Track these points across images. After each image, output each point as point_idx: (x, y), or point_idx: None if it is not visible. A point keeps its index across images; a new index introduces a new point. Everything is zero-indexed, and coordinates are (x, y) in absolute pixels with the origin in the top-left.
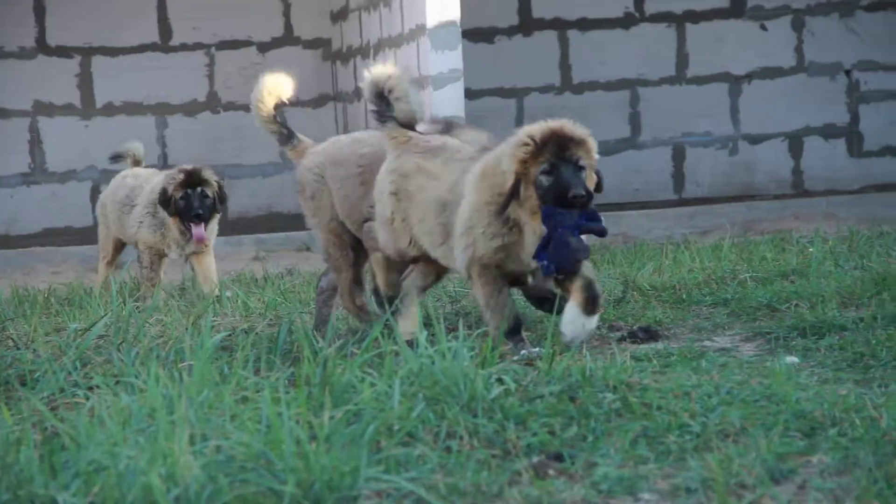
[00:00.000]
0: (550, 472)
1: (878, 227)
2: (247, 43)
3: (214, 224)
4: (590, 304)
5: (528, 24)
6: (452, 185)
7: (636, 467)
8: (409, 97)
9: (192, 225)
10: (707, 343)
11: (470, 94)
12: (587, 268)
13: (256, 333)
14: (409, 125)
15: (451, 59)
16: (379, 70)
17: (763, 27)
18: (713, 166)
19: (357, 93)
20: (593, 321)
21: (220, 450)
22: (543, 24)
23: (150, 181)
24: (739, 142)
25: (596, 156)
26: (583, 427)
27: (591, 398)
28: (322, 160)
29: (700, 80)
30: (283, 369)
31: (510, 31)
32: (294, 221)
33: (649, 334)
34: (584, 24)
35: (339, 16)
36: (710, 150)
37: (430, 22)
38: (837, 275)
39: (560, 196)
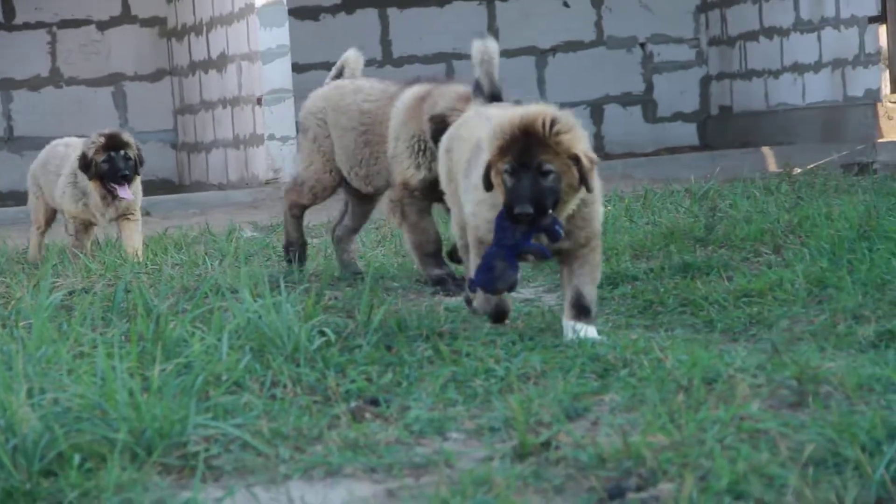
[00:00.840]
0: (367, 415)
1: (669, 186)
2: (87, 21)
3: (138, 186)
4: (577, 313)
5: (350, 2)
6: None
7: (445, 409)
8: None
9: (116, 186)
10: (513, 294)
11: (297, 69)
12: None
13: (95, 293)
14: (494, 98)
15: (279, 35)
16: (478, 43)
17: (566, 4)
18: None
19: (192, 67)
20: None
21: (57, 402)
22: (365, 3)
23: (78, 150)
24: None
25: (577, 150)
26: (398, 374)
27: (406, 347)
28: (324, 105)
29: (509, 53)
30: (119, 326)
31: (334, 10)
32: None
33: (460, 286)
34: (403, 2)
35: None
36: None
37: (259, 1)
38: (632, 230)
39: (507, 207)
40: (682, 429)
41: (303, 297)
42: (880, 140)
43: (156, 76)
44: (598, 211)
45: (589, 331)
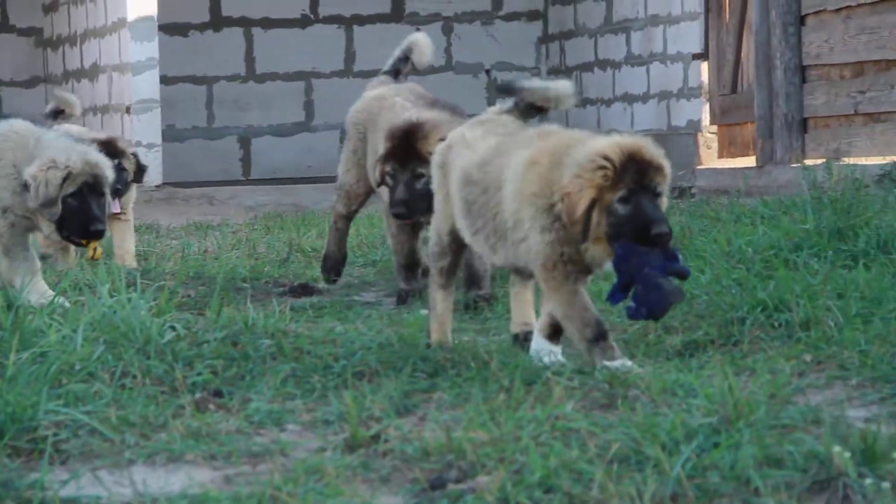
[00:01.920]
0: (211, 406)
1: None
2: None
3: (133, 193)
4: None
5: (218, 20)
6: (482, 161)
7: (284, 403)
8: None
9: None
10: (356, 298)
11: (165, 81)
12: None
13: None
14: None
15: (149, 49)
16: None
17: (418, 30)
18: None
19: (65, 75)
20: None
21: None
22: (232, 22)
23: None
24: None
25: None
26: (242, 368)
27: (251, 343)
28: (364, 118)
29: (365, 74)
30: None
31: (202, 27)
32: None
33: (306, 290)
34: (267, 23)
35: (50, 8)
36: None
37: (130, 16)
38: None
39: (641, 232)
40: (502, 426)
41: (157, 294)
42: (699, 167)
43: (31, 83)
44: None
45: (559, 354)
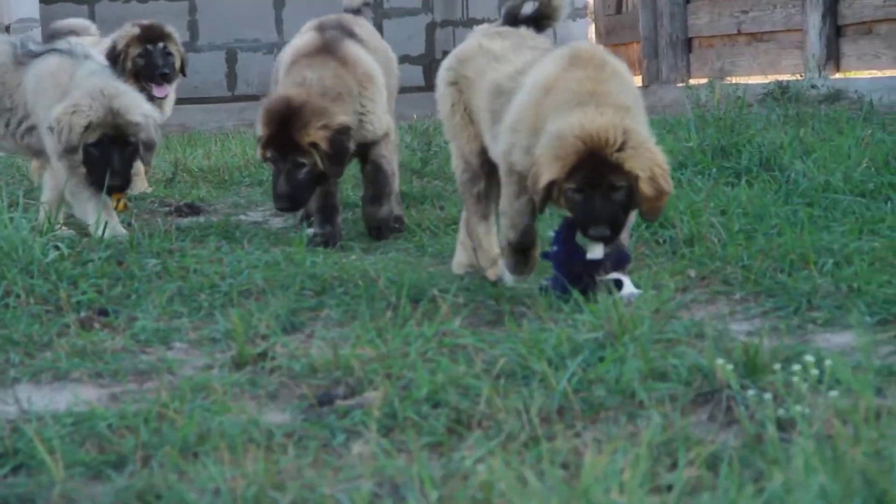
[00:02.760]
0: (96, 325)
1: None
2: None
3: (172, 94)
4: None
5: None
6: (516, 72)
7: (171, 321)
8: None
9: (154, 86)
10: (242, 217)
11: (44, 0)
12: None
13: None
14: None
15: None
16: None
17: None
18: (261, 68)
19: None
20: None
21: None
22: None
23: None
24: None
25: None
26: (127, 287)
27: (136, 262)
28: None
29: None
30: None
31: None
32: None
33: (192, 209)
34: None
35: None
36: (258, 54)
37: None
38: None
39: (581, 226)
40: (389, 343)
41: (40, 213)
42: None
43: None
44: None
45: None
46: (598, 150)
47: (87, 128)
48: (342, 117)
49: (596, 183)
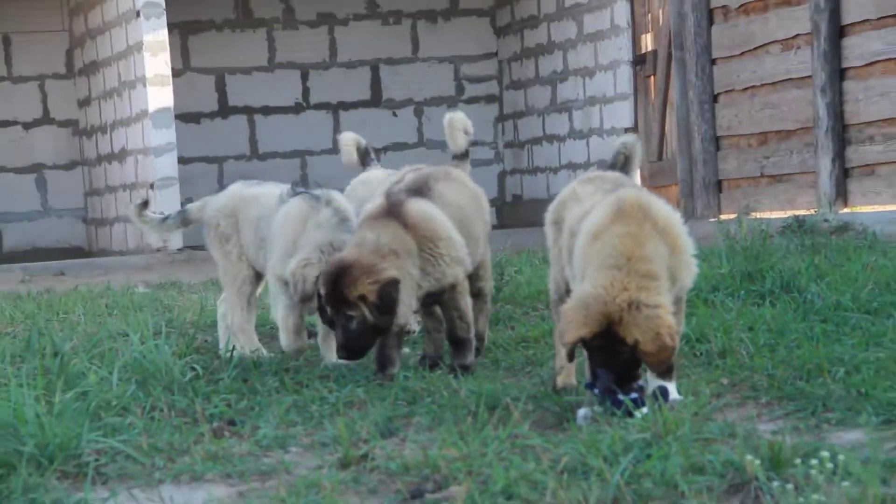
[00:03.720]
0: (226, 433)
1: None
2: (14, 122)
3: None
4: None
5: (225, 109)
6: (584, 214)
7: (287, 429)
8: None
9: None
10: None
11: (182, 161)
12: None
13: (14, 336)
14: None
15: (167, 135)
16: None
17: (394, 114)
18: None
19: (98, 159)
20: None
21: None
22: (237, 110)
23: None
24: None
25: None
26: (251, 401)
27: (259, 380)
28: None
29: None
30: (31, 362)
31: (212, 115)
32: (51, 254)
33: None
34: (267, 110)
35: (83, 103)
36: None
37: (151, 108)
38: None
39: (594, 377)
40: (469, 444)
41: (179, 340)
42: None
43: (70, 166)
44: None
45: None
46: (613, 324)
47: (318, 278)
48: (391, 272)
49: (608, 343)
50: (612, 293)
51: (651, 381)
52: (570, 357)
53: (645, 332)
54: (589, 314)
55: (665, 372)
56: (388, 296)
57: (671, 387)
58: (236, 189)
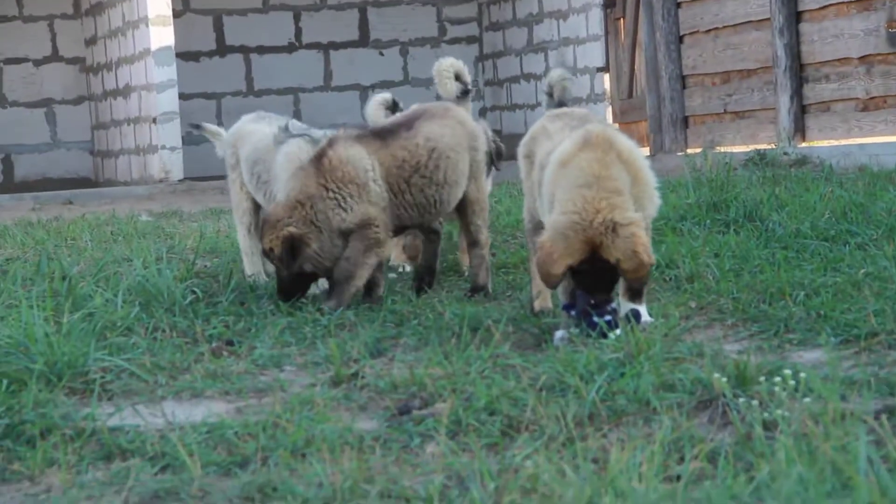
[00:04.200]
0: (224, 353)
1: None
2: (25, 60)
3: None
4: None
5: (222, 48)
6: (553, 148)
7: (282, 349)
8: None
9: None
10: None
11: (183, 97)
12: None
13: (25, 261)
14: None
15: (169, 72)
16: (555, 71)
17: (381, 53)
18: None
19: (104, 94)
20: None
21: None
22: (234, 49)
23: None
24: None
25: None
26: (248, 322)
27: (255, 303)
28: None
29: (340, 89)
30: (41, 285)
31: (210, 53)
32: (60, 184)
33: None
34: (262, 49)
35: (90, 42)
36: None
37: (153, 46)
38: None
39: (583, 294)
40: (454, 364)
41: (180, 265)
42: None
43: (77, 101)
44: None
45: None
46: (595, 248)
47: None
48: (290, 227)
49: (594, 266)
50: (588, 217)
51: (623, 305)
52: (555, 287)
53: (624, 251)
54: (570, 243)
55: (637, 294)
56: (287, 249)
57: (642, 309)
58: (241, 123)
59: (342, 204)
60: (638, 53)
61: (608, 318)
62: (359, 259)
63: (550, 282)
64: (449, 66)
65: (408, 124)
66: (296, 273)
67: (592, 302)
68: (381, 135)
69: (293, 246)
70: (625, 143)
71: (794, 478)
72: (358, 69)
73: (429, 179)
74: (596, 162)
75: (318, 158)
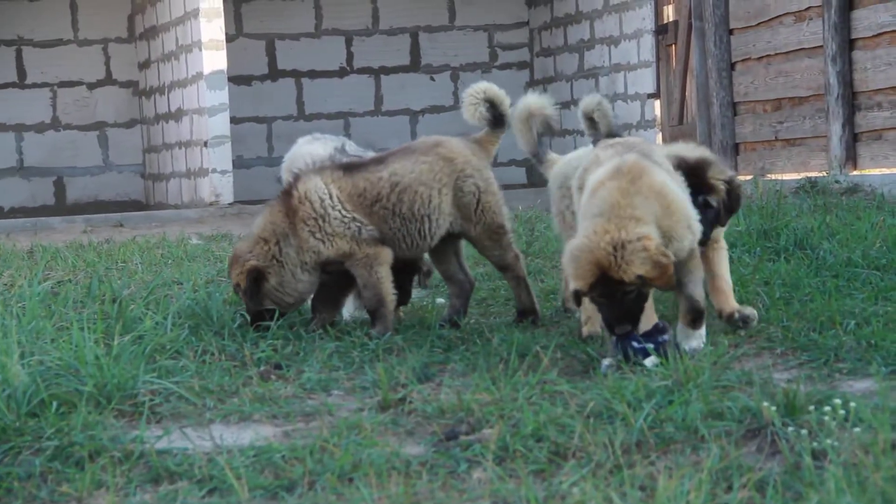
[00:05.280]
0: (272, 377)
1: None
2: (79, 83)
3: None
4: (691, 320)
5: (274, 73)
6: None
7: (330, 373)
8: (608, 116)
9: None
10: None
11: (235, 121)
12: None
13: (76, 283)
14: (611, 136)
15: (221, 96)
16: (587, 99)
17: (432, 78)
18: None
19: (156, 118)
20: (699, 332)
21: (41, 363)
22: (286, 74)
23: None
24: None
25: (641, 271)
26: (296, 346)
27: (303, 327)
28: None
29: (391, 114)
30: (91, 307)
31: (262, 78)
32: (111, 206)
33: None
34: (314, 74)
35: (143, 65)
36: None
37: (206, 70)
38: None
39: (608, 328)
40: (501, 390)
41: (229, 289)
42: None
43: (130, 124)
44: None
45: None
46: (606, 272)
47: None
48: (252, 262)
49: (611, 294)
50: (596, 239)
51: (681, 332)
52: (578, 302)
53: (641, 262)
54: (579, 266)
55: (693, 322)
56: (252, 282)
57: (698, 336)
58: (297, 146)
59: (315, 237)
60: (689, 80)
61: (644, 345)
62: (369, 281)
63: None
64: (480, 90)
65: (382, 158)
66: (263, 309)
67: (631, 325)
68: (348, 167)
69: (256, 278)
70: (658, 175)
71: None
72: (408, 94)
73: (390, 211)
74: (618, 191)
75: (286, 195)
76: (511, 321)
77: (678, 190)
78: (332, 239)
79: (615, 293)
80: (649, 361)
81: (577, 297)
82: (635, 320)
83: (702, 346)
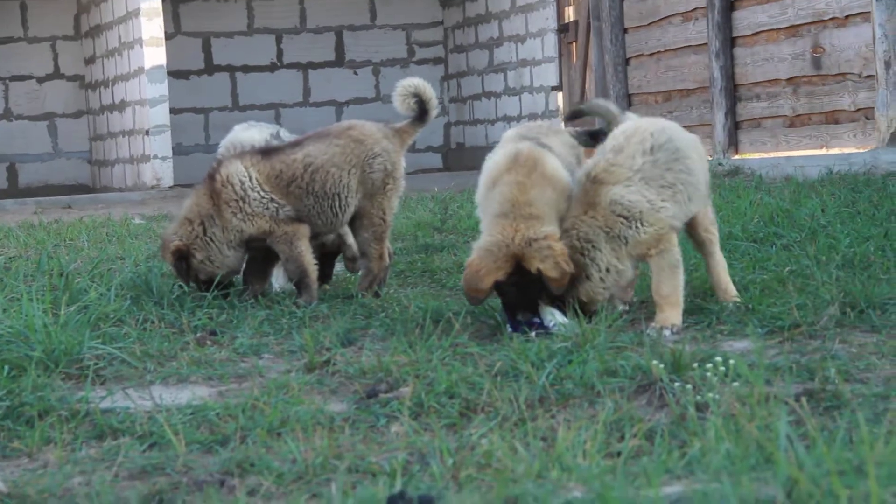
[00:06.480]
0: (208, 342)
1: (422, 193)
2: (29, 77)
3: None
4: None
5: (210, 67)
6: None
7: (261, 339)
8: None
9: None
10: None
11: (174, 111)
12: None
13: (27, 258)
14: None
15: (161, 89)
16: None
17: (355, 73)
18: None
19: (101, 109)
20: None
21: None
22: (221, 68)
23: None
24: None
25: (545, 267)
26: (230, 315)
27: (236, 296)
28: None
29: (318, 105)
30: (41, 280)
31: (199, 72)
32: (60, 190)
33: None
34: (246, 69)
35: (89, 61)
36: None
37: (147, 65)
38: (395, 221)
39: (509, 312)
40: (417, 352)
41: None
42: None
43: (77, 115)
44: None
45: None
46: (520, 261)
47: None
48: (176, 243)
49: (521, 282)
50: (508, 236)
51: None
52: (480, 303)
53: (544, 261)
54: (497, 258)
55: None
56: (177, 262)
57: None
58: (234, 132)
59: (237, 217)
60: (588, 74)
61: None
62: (291, 255)
63: (478, 298)
64: (412, 85)
65: (299, 142)
66: (197, 280)
67: (520, 319)
68: (266, 151)
69: (180, 257)
70: (549, 161)
71: (722, 453)
72: (334, 87)
73: (304, 190)
74: (517, 186)
75: (210, 179)
76: (427, 291)
77: (567, 174)
78: (252, 219)
79: (524, 283)
80: (551, 322)
81: (490, 290)
82: (535, 308)
83: (565, 319)
